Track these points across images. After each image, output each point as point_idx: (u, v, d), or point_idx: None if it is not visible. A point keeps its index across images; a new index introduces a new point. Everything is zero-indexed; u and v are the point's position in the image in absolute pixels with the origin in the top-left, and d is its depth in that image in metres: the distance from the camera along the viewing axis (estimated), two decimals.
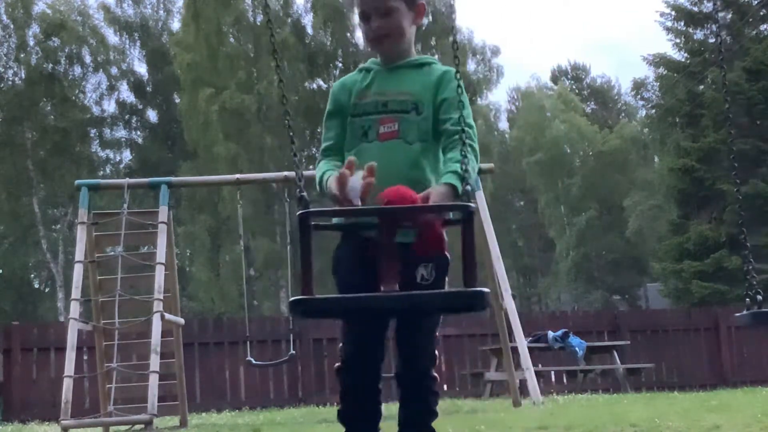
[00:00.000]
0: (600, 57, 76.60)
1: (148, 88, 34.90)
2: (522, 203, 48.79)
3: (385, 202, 2.31)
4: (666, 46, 41.05)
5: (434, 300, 2.27)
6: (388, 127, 2.82)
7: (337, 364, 2.82)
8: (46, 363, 11.70)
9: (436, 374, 2.82)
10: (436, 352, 2.82)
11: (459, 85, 2.60)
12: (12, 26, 30.77)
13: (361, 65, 3.03)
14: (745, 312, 2.92)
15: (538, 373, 8.63)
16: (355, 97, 2.89)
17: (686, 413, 4.98)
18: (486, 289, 2.15)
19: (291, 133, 2.70)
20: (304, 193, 2.39)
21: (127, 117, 34.95)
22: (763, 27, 26.49)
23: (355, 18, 35.96)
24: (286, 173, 8.23)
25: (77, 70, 32.09)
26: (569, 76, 50.79)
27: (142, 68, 34.98)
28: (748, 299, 2.90)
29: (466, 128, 2.66)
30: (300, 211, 2.21)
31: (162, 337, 6.95)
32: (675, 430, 4.19)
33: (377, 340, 2.75)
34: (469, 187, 2.42)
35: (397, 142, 2.79)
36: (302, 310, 2.20)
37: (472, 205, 2.24)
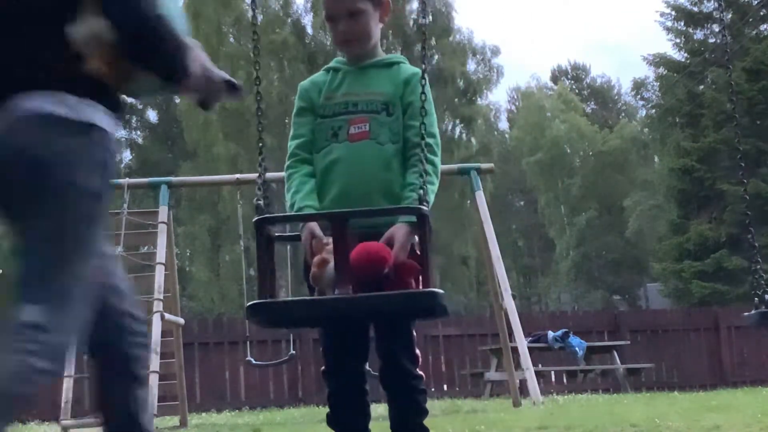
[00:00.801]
0: (600, 57, 76.66)
1: None
2: (522, 203, 48.81)
3: (354, 266, 2.23)
4: (666, 46, 41.04)
5: (388, 302, 2.23)
6: (358, 128, 2.78)
7: (322, 368, 2.83)
8: None
9: (421, 372, 2.78)
10: (417, 351, 2.79)
11: (423, 92, 2.59)
12: None
13: (327, 65, 3.00)
14: (753, 312, 2.92)
15: (538, 373, 8.63)
16: (323, 97, 2.86)
17: (686, 413, 4.98)
18: (440, 290, 2.13)
19: (261, 144, 2.68)
20: (261, 202, 2.39)
21: (127, 117, 34.95)
22: (763, 27, 26.49)
23: None
24: (284, 173, 8.20)
25: None
26: (569, 76, 50.82)
27: None
28: (756, 299, 2.90)
29: (429, 139, 2.65)
30: (255, 218, 2.23)
31: (162, 337, 6.94)
32: (675, 430, 4.19)
33: (356, 342, 2.74)
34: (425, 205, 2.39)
35: (368, 143, 2.76)
36: (260, 316, 2.22)
37: (424, 208, 2.25)
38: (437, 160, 2.72)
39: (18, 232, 1.96)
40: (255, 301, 2.18)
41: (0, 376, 1.87)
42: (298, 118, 2.93)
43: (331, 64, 2.98)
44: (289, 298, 2.34)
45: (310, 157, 2.84)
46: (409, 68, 2.89)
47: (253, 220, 2.26)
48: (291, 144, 2.90)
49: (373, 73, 2.87)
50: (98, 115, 1.99)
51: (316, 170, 2.82)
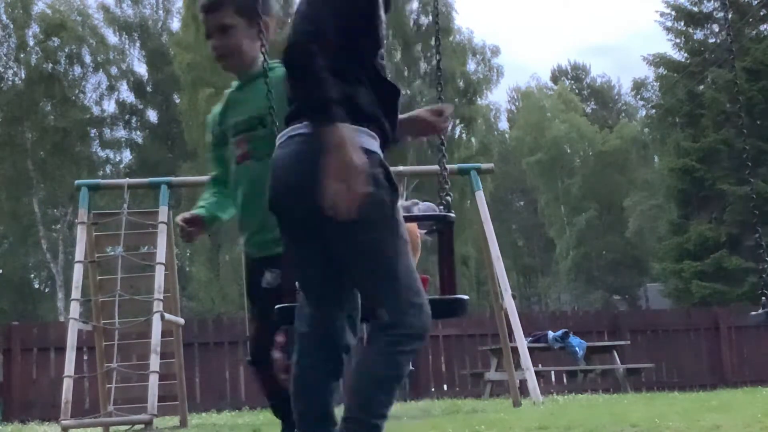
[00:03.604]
0: (600, 57, 76.64)
1: (148, 88, 34.88)
2: (522, 203, 48.82)
3: None
4: (666, 46, 41.07)
5: None
6: (241, 149, 2.80)
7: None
8: (46, 363, 11.69)
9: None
10: None
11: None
12: (12, 26, 30.77)
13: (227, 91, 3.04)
14: (760, 311, 2.92)
15: (538, 373, 8.63)
16: (220, 124, 2.91)
17: (686, 413, 4.97)
18: (466, 297, 2.17)
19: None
20: None
21: (127, 117, 34.94)
22: (763, 27, 26.49)
23: None
24: None
25: (77, 70, 32.10)
26: (569, 76, 50.81)
27: (141, 68, 35.00)
28: (764, 297, 2.90)
29: None
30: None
31: (162, 337, 6.94)
32: (675, 430, 4.19)
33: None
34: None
35: (250, 163, 2.77)
36: (285, 318, 2.23)
37: (451, 215, 2.24)
38: None
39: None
40: (282, 305, 2.21)
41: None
42: (210, 154, 3.06)
43: (230, 89, 3.00)
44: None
45: (221, 187, 2.98)
46: (281, 71, 2.73)
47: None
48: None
49: (248, 89, 2.84)
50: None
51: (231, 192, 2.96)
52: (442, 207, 2.31)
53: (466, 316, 2.29)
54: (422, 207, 2.44)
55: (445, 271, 2.22)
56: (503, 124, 47.76)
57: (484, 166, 8.73)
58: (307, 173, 2.00)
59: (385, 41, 2.12)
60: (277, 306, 2.24)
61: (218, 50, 2.81)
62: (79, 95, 32.47)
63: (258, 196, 2.62)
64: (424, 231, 2.41)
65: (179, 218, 2.88)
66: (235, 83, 2.94)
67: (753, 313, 2.88)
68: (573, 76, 51.22)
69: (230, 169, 2.87)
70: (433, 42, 28.59)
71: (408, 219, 2.36)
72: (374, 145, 2.09)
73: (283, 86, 2.60)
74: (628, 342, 12.70)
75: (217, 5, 2.81)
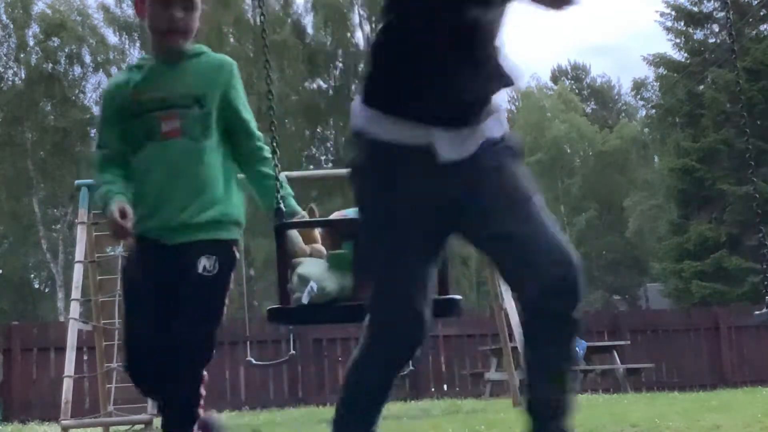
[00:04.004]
0: (600, 57, 76.64)
1: None
2: None
3: None
4: (666, 46, 41.06)
5: None
6: (169, 125, 2.70)
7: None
8: (46, 363, 11.69)
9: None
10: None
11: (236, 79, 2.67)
12: (12, 26, 30.77)
13: (130, 65, 2.93)
14: (765, 310, 2.93)
15: None
16: (131, 96, 2.75)
17: (686, 413, 4.97)
18: (458, 297, 2.19)
19: (275, 143, 2.67)
20: (281, 204, 2.38)
21: None
22: (763, 27, 26.48)
23: (355, 18, 35.52)
24: (286, 173, 8.20)
25: (77, 70, 32.10)
26: (569, 76, 50.81)
27: None
28: (767, 297, 2.90)
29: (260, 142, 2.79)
30: (276, 223, 2.23)
31: None
32: (675, 430, 4.19)
33: None
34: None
35: (181, 140, 2.69)
36: (279, 320, 2.24)
37: None
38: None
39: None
40: (276, 306, 2.20)
41: None
42: (103, 126, 2.84)
43: (135, 62, 2.90)
44: (310, 305, 2.34)
45: (119, 164, 2.75)
46: (216, 57, 2.82)
47: (274, 225, 2.26)
48: (100, 151, 2.81)
49: (182, 67, 2.77)
50: None
51: (134, 171, 2.74)
52: None
53: (459, 315, 2.29)
54: None
55: (439, 272, 2.24)
56: None
57: None
58: None
59: None
60: (269, 308, 2.23)
61: (181, 25, 2.71)
62: (79, 95, 32.48)
63: (182, 176, 2.63)
64: None
65: (116, 214, 2.56)
66: (150, 57, 2.83)
67: (757, 312, 2.88)
68: (573, 76, 51.22)
69: (132, 147, 2.73)
70: None
71: None
72: None
73: (213, 72, 2.72)
74: (628, 342, 12.70)
75: None
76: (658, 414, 4.93)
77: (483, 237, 2.04)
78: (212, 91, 2.73)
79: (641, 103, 37.77)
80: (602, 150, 40.76)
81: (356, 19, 30.35)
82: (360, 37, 30.17)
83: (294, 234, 2.43)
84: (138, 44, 34.50)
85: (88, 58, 32.19)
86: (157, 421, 7.11)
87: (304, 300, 2.27)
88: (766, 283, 2.85)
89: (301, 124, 28.07)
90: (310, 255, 2.40)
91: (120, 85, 2.82)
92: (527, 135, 42.08)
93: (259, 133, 2.85)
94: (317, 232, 2.50)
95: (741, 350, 14.25)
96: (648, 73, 32.81)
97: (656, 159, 38.40)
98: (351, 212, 2.42)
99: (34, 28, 31.15)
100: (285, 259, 2.30)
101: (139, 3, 2.78)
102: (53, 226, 32.70)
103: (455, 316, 2.31)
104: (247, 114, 2.83)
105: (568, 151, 41.84)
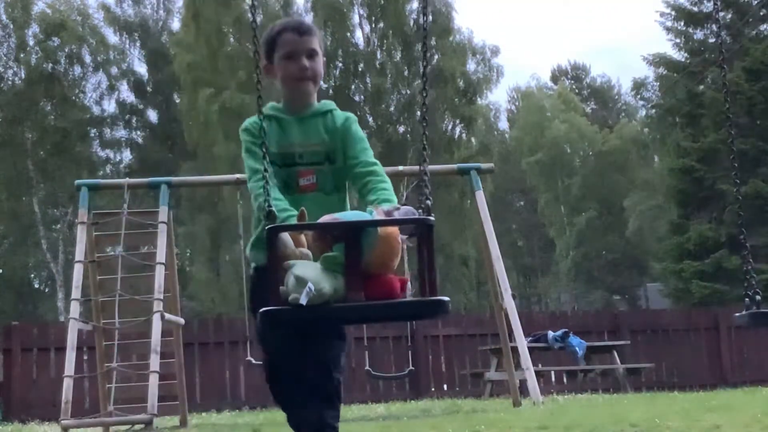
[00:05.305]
0: (600, 57, 76.62)
1: (148, 88, 34.89)
2: (522, 203, 48.82)
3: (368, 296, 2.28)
4: (666, 46, 41.04)
5: (400, 309, 2.32)
6: (306, 180, 2.86)
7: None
8: (46, 363, 11.69)
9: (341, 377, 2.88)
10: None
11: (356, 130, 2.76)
12: (12, 26, 30.77)
13: (264, 113, 2.85)
14: (744, 312, 2.92)
15: (538, 373, 8.63)
16: (272, 145, 2.84)
17: (686, 413, 4.98)
18: (446, 298, 2.21)
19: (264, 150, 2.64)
20: (272, 208, 2.38)
21: (127, 117, 34.93)
22: (763, 27, 26.49)
23: (355, 18, 35.47)
24: None
25: (77, 70, 32.09)
26: (569, 76, 50.84)
27: (142, 68, 34.99)
28: (747, 299, 2.89)
29: (376, 167, 2.82)
30: (268, 226, 2.23)
31: (162, 337, 6.94)
32: (675, 430, 4.19)
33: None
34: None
35: (316, 194, 2.84)
36: (272, 321, 2.23)
37: (431, 219, 2.27)
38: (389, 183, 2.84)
39: None
40: (269, 308, 2.19)
41: None
42: (255, 154, 2.81)
43: (268, 112, 2.92)
44: (304, 305, 2.33)
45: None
46: (341, 114, 2.97)
47: (266, 228, 2.26)
48: (257, 173, 2.75)
49: (312, 123, 2.93)
50: None
51: None
52: (421, 211, 2.33)
53: (447, 315, 2.31)
54: (402, 212, 2.45)
55: (426, 273, 2.25)
56: (503, 124, 47.83)
57: (484, 166, 8.74)
58: None
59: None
60: (263, 309, 2.22)
61: (311, 71, 2.92)
62: (79, 95, 32.47)
63: None
64: (406, 236, 2.42)
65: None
66: (277, 106, 2.95)
67: (737, 314, 2.88)
68: (573, 76, 51.25)
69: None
70: (434, 42, 28.62)
71: (388, 223, 2.40)
72: None
73: (340, 126, 2.90)
74: (628, 342, 12.71)
75: (309, 30, 3.01)
76: (658, 414, 4.93)
77: None
78: (338, 146, 2.90)
79: (641, 103, 37.76)
80: (602, 150, 40.77)
81: (356, 19, 30.37)
82: (360, 37, 30.19)
83: (285, 236, 2.45)
84: (138, 44, 34.54)
85: (88, 58, 32.21)
86: (158, 421, 7.12)
87: (302, 301, 2.27)
88: (746, 284, 2.84)
89: None
90: (300, 258, 2.41)
91: (260, 126, 2.66)
92: (527, 135, 42.11)
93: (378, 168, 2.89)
94: (305, 235, 2.51)
95: (741, 350, 14.25)
96: (648, 73, 32.81)
97: (656, 159, 38.40)
98: (341, 216, 2.43)
99: (34, 28, 31.17)
100: (276, 261, 2.31)
101: (268, 67, 2.96)
102: (53, 226, 32.71)
103: (442, 317, 2.33)
104: (361, 156, 2.89)
105: (568, 151, 41.84)
